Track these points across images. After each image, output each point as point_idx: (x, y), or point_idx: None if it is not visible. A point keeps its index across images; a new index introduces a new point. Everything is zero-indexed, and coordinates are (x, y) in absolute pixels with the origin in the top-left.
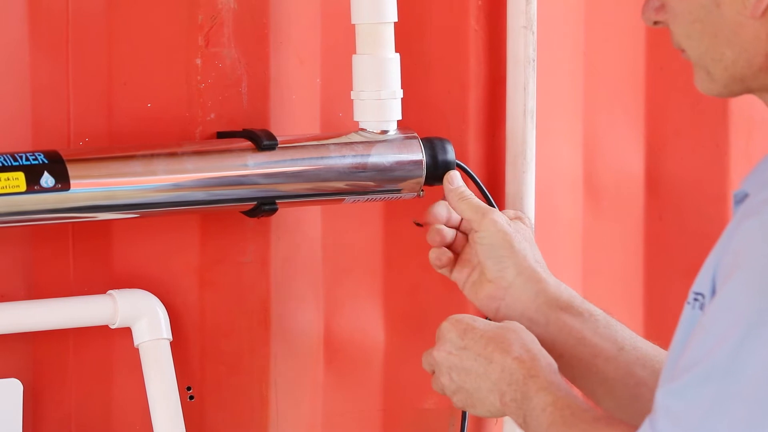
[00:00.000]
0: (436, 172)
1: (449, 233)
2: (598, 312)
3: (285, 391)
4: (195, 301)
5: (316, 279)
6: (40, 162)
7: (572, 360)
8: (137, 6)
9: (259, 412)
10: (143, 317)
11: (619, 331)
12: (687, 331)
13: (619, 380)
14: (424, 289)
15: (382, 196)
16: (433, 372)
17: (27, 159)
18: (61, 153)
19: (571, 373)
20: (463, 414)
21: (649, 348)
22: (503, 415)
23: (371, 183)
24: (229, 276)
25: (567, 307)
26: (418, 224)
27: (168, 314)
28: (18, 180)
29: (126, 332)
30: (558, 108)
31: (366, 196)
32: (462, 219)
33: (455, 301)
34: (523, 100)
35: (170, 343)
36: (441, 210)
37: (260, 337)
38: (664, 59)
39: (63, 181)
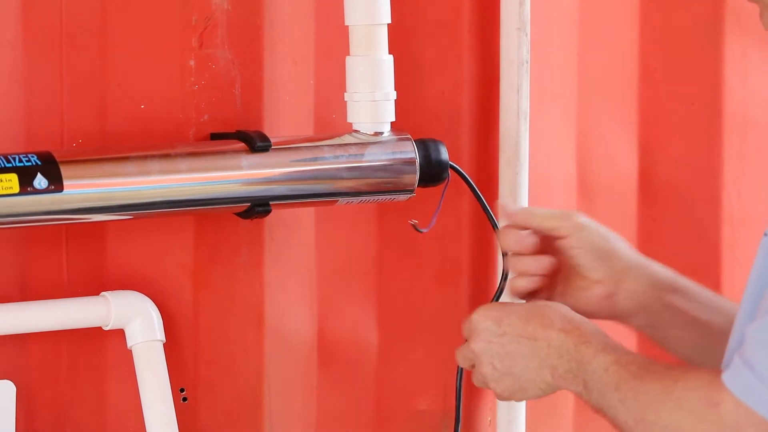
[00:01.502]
0: (430, 173)
1: (527, 238)
2: (701, 289)
3: (279, 392)
4: (188, 303)
5: (310, 280)
6: (34, 163)
7: (687, 340)
8: (131, 7)
9: (252, 413)
10: (136, 319)
11: (725, 302)
12: (765, 262)
13: None
14: (418, 291)
15: (376, 197)
16: (473, 366)
17: (20, 160)
18: (55, 154)
19: (693, 353)
20: (457, 415)
21: None
22: (556, 390)
23: (365, 184)
24: (223, 277)
25: (677, 289)
26: (415, 227)
27: (161, 315)
28: (11, 181)
29: (119, 334)
30: (551, 109)
31: (360, 198)
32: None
33: (449, 302)
34: (517, 101)
35: (163, 344)
36: (512, 236)
37: (254, 338)
38: (657, 61)
39: (56, 183)
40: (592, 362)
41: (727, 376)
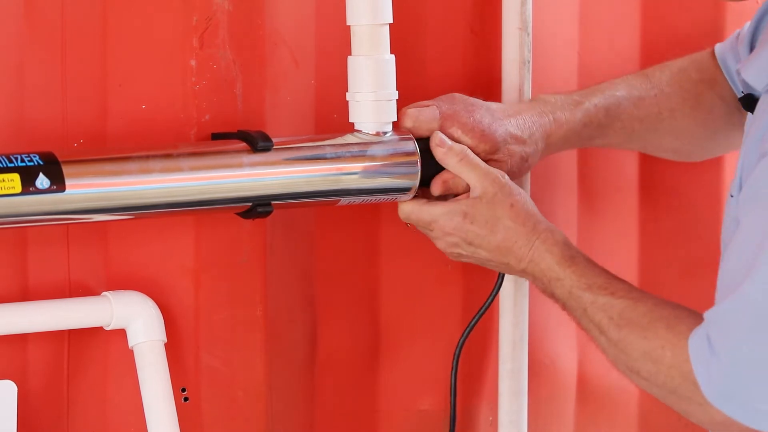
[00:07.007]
0: (432, 172)
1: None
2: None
3: (280, 393)
4: (190, 303)
5: (311, 280)
6: (36, 163)
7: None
8: (132, 7)
9: (253, 413)
10: (138, 318)
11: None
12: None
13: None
14: (419, 290)
15: (378, 197)
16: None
17: (22, 160)
18: (57, 154)
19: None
20: (452, 414)
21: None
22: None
23: (366, 184)
24: (224, 277)
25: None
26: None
27: (163, 315)
28: (13, 182)
29: (121, 334)
30: None
31: (361, 198)
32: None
33: (450, 302)
34: (518, 100)
35: (165, 344)
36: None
37: (255, 338)
38: (658, 61)
39: (58, 183)
40: (569, 299)
41: (691, 342)
